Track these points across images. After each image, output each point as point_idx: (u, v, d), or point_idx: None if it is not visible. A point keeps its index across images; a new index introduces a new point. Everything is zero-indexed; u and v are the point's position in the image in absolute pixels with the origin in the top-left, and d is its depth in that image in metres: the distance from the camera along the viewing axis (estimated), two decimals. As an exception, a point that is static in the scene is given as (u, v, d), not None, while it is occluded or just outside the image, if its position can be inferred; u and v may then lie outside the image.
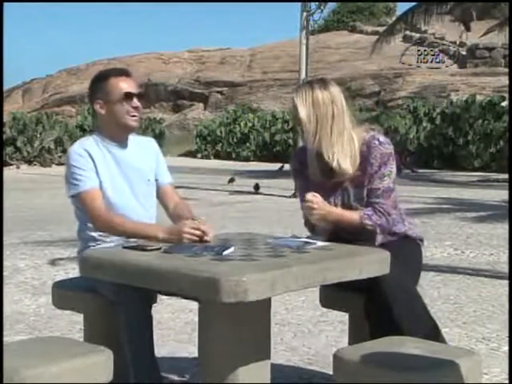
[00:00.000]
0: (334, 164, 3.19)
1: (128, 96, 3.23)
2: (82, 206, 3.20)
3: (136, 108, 3.25)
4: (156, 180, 3.38)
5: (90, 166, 3.19)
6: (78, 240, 3.42)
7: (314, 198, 3.13)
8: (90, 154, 3.21)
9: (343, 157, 3.19)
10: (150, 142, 3.44)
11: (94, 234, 3.27)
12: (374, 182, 3.19)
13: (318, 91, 3.18)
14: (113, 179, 3.24)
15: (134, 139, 3.36)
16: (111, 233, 3.18)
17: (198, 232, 3.01)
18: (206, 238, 3.02)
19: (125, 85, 3.25)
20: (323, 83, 3.22)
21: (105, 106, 3.25)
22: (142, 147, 3.38)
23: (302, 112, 3.17)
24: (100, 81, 3.28)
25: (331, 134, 3.18)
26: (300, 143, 14.80)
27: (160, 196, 3.41)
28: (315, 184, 3.27)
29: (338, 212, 3.20)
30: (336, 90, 3.21)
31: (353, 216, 3.19)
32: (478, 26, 23.10)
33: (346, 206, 3.23)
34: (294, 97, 3.22)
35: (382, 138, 3.22)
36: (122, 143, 3.30)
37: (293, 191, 12.53)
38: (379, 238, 3.24)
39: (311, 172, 3.30)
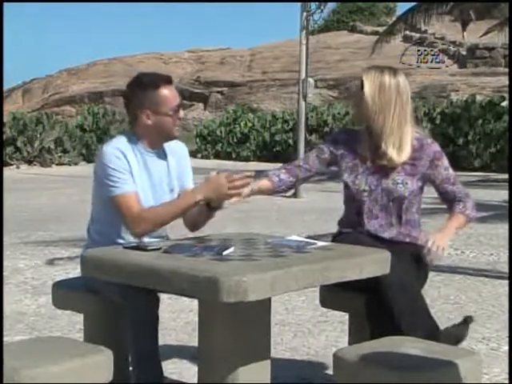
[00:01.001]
0: (388, 153, 3.26)
1: (178, 108, 3.20)
2: (117, 210, 3.12)
3: (180, 119, 3.22)
4: (182, 182, 3.32)
5: (126, 168, 3.12)
6: (87, 237, 3.35)
7: (438, 249, 3.18)
8: (126, 156, 3.14)
9: (397, 149, 3.27)
10: (180, 147, 3.36)
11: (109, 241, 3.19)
12: (440, 173, 3.34)
13: (387, 76, 3.27)
14: (141, 185, 3.18)
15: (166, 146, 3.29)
16: (152, 230, 3.12)
17: (239, 183, 3.07)
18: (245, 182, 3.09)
19: (174, 96, 3.19)
20: (393, 71, 3.32)
21: (152, 117, 3.16)
22: (173, 152, 3.30)
23: (368, 91, 3.24)
24: (148, 89, 3.15)
25: (392, 122, 3.25)
26: (300, 144, 14.69)
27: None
28: (358, 158, 3.34)
29: (451, 227, 3.33)
30: (403, 82, 3.31)
31: (459, 219, 3.35)
32: (478, 26, 23.09)
33: (382, 187, 3.29)
34: (362, 76, 3.28)
35: (432, 139, 3.38)
36: (158, 150, 3.24)
37: (293, 191, 12.50)
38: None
39: (360, 147, 3.35)
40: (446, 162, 3.36)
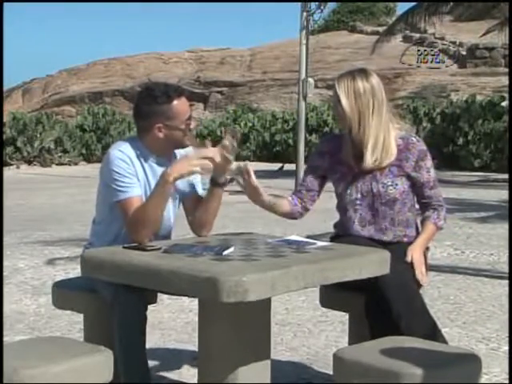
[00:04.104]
0: (373, 157, 3.26)
1: (189, 120, 3.19)
2: (121, 214, 3.11)
3: (191, 130, 3.20)
4: (189, 189, 3.29)
5: (132, 173, 3.12)
6: (89, 237, 3.35)
7: (423, 275, 3.21)
8: (132, 162, 3.14)
9: (380, 152, 3.26)
10: (188, 151, 3.28)
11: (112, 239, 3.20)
12: (424, 175, 3.32)
13: (359, 82, 3.25)
14: (144, 193, 3.17)
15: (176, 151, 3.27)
16: (152, 232, 3.09)
17: (205, 161, 3.06)
18: (215, 159, 3.08)
19: (186, 109, 3.18)
20: (365, 74, 3.29)
21: (164, 130, 3.14)
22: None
23: (345, 102, 3.23)
24: (161, 103, 3.13)
25: (372, 126, 3.24)
26: (300, 144, 14.71)
27: (187, 203, 3.31)
28: (345, 167, 3.33)
29: (423, 239, 3.32)
30: (376, 82, 3.29)
31: (430, 230, 3.34)
32: (478, 26, 23.09)
33: (373, 192, 3.29)
34: (335, 86, 3.26)
35: (417, 137, 3.37)
36: (165, 159, 3.22)
37: (293, 191, 12.49)
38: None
39: (344, 155, 3.34)
40: (429, 162, 3.34)
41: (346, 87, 3.23)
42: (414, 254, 3.22)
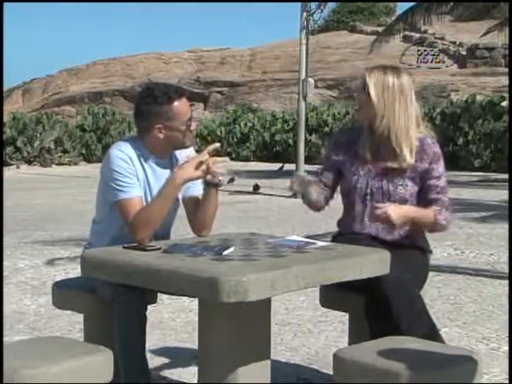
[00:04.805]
0: (397, 151, 3.24)
1: (190, 121, 3.19)
2: (121, 214, 3.12)
3: (191, 131, 3.21)
4: (189, 188, 3.29)
5: (132, 173, 3.12)
6: (89, 237, 3.35)
7: (386, 209, 3.12)
8: (132, 161, 3.14)
9: (404, 147, 3.25)
10: (188, 151, 3.30)
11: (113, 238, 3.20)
12: (432, 179, 3.29)
13: (390, 77, 3.26)
14: (144, 193, 3.18)
15: (176, 152, 3.28)
16: (152, 232, 3.10)
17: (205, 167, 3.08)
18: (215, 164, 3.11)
19: (187, 110, 3.19)
20: (396, 71, 3.29)
21: (164, 131, 3.15)
22: (182, 157, 3.26)
23: (373, 91, 3.23)
24: (162, 103, 3.13)
25: (397, 123, 3.24)
26: (300, 144, 14.66)
27: (188, 204, 3.31)
28: (359, 161, 3.31)
29: (414, 209, 3.24)
30: (407, 81, 3.28)
31: (428, 212, 3.26)
32: (478, 26, 23.08)
33: (382, 189, 3.28)
34: (365, 76, 3.26)
35: (433, 140, 3.36)
36: (166, 159, 3.24)
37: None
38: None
39: (360, 149, 3.33)
40: (441, 167, 3.31)
41: (376, 78, 3.24)
42: (400, 210, 3.17)
